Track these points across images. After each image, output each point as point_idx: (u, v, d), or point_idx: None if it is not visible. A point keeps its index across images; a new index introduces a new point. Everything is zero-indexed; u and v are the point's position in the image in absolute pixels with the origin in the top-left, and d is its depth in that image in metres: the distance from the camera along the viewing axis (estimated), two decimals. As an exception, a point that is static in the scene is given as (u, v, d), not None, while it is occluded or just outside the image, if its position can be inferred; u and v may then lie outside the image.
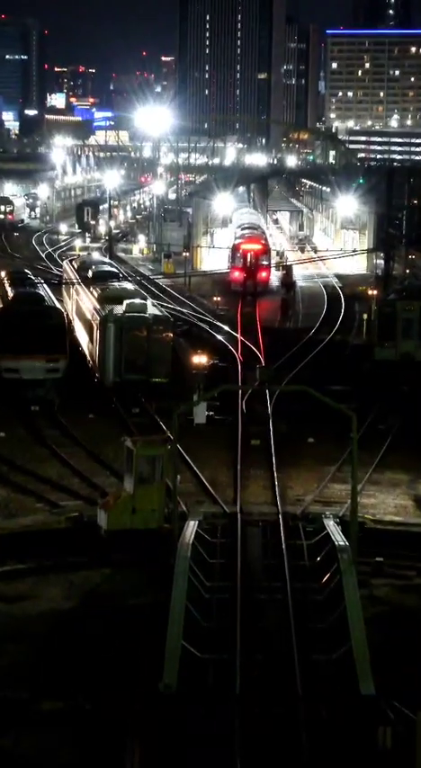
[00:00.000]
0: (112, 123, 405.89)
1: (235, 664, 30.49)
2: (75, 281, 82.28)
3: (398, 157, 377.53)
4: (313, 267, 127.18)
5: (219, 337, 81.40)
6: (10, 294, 71.19)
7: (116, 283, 76.74)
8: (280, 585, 36.01)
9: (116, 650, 33.01)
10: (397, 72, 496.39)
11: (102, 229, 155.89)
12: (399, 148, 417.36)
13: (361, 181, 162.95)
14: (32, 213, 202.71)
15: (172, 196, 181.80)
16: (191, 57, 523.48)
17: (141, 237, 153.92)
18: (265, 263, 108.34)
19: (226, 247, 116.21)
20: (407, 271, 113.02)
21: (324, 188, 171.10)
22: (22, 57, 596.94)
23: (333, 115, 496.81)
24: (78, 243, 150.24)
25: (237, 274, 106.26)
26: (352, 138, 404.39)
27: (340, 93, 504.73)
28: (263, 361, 71.84)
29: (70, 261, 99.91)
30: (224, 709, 28.60)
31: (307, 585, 36.28)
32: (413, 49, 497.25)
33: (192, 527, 38.92)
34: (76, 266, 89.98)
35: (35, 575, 39.63)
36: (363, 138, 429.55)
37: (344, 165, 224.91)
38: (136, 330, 64.78)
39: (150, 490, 41.80)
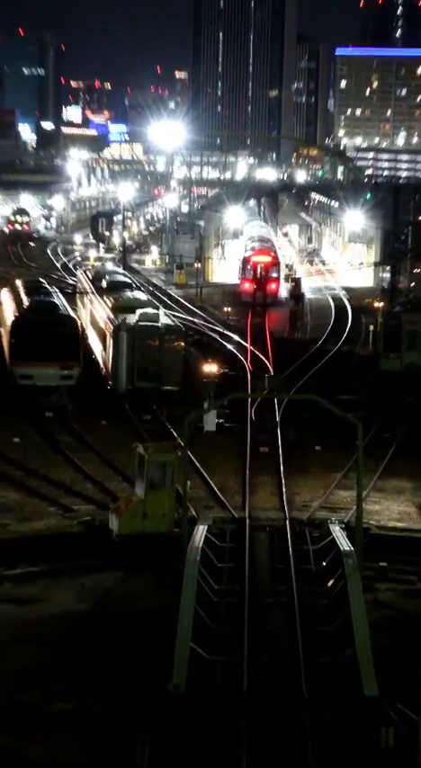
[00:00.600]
0: (127, 137, 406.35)
1: (242, 665, 30.49)
2: (89, 290, 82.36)
3: (405, 174, 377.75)
4: (321, 279, 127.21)
5: (230, 347, 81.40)
6: (25, 302, 71.28)
7: (129, 293, 76.78)
8: (286, 589, 36.00)
9: (126, 652, 32.99)
10: (403, 91, 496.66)
11: (115, 240, 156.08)
12: (406, 165, 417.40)
13: (368, 196, 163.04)
14: (48, 224, 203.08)
15: (184, 209, 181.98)
16: (204, 73, 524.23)
17: (154, 249, 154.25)
18: (275, 275, 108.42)
19: (236, 259, 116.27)
20: (413, 284, 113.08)
21: (332, 203, 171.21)
22: (40, 71, 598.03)
23: (341, 132, 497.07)
24: (92, 253, 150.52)
25: (247, 286, 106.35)
26: (360, 154, 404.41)
27: (348, 111, 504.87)
28: (271, 371, 71.88)
29: (84, 271, 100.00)
30: (231, 709, 28.60)
31: (313, 589, 36.29)
32: (419, 70, 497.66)
33: (201, 532, 38.90)
34: (90, 276, 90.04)
35: (47, 578, 39.62)
36: (371, 155, 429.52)
37: (352, 180, 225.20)
38: (148, 339, 64.83)
39: (161, 495, 41.80)
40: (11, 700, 30.17)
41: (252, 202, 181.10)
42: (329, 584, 36.27)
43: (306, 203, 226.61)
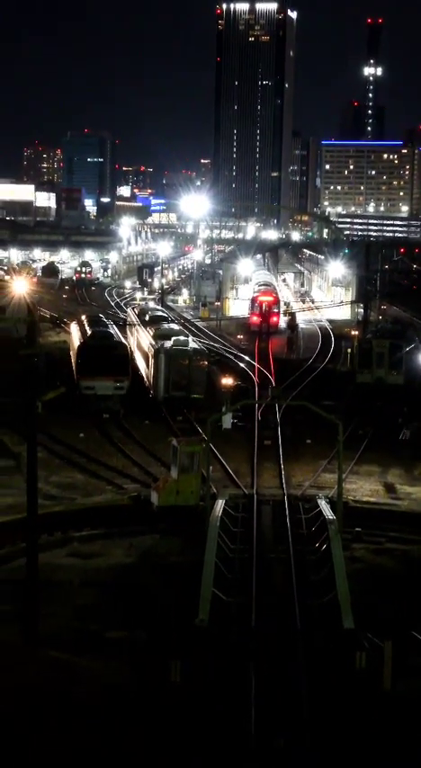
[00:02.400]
0: (164, 208, 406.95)
1: (251, 605, 30.46)
2: (136, 322, 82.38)
3: (374, 234, 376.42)
4: (311, 314, 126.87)
5: (242, 365, 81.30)
6: (88, 332, 71.37)
7: (166, 325, 76.73)
8: (285, 548, 35.96)
9: (163, 594, 32.97)
10: (373, 172, 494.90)
11: (156, 285, 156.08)
12: (375, 228, 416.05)
13: (346, 251, 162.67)
14: (105, 273, 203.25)
15: (207, 261, 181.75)
16: (222, 159, 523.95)
17: (185, 291, 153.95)
18: (276, 310, 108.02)
19: (247, 299, 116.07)
20: (380, 317, 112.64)
21: (319, 256, 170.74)
22: (100, 159, 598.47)
23: (326, 203, 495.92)
24: (138, 295, 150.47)
25: (255, 319, 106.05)
26: (340, 219, 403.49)
27: (331, 187, 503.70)
28: (273, 383, 71.69)
29: (132, 308, 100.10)
30: (243, 638, 28.55)
31: (304, 548, 36.23)
32: (385, 156, 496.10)
33: (220, 504, 38.90)
34: (136, 312, 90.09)
35: (104, 538, 39.68)
36: (348, 220, 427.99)
37: (334, 239, 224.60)
38: (180, 359, 64.80)
39: (190, 477, 41.80)
40: (79, 628, 30.23)
41: (258, 256, 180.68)
42: (317, 544, 36.21)
43: (299, 256, 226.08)
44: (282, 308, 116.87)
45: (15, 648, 28.62)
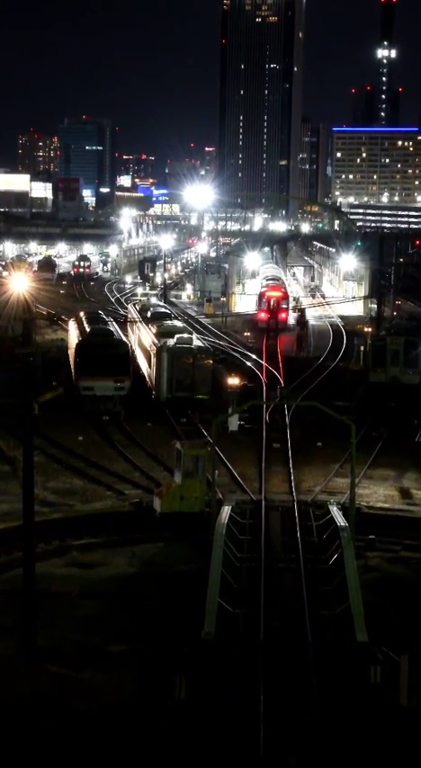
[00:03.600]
0: (167, 198, 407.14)
1: (259, 617, 30.46)
2: (137, 319, 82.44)
3: (388, 226, 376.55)
4: (321, 310, 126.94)
5: (249, 364, 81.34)
6: (87, 329, 71.43)
7: (169, 321, 76.75)
8: (294, 557, 35.94)
9: (167, 605, 33.01)
10: (387, 160, 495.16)
11: (158, 280, 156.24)
12: (389, 219, 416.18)
13: (359, 244, 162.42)
14: (105, 268, 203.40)
15: (212, 254, 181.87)
16: (228, 147, 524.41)
17: (189, 286, 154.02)
18: (285, 306, 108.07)
19: (254, 294, 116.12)
20: (394, 313, 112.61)
21: (330, 249, 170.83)
22: (99, 147, 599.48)
23: (337, 193, 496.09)
24: (140, 290, 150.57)
25: (262, 315, 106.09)
26: (352, 210, 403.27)
27: (343, 176, 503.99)
28: (282, 383, 71.72)
29: (133, 304, 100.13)
30: (251, 651, 28.56)
31: (315, 557, 36.19)
32: (399, 143, 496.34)
33: (226, 511, 38.88)
34: (138, 308, 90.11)
35: (105, 547, 39.70)
36: (361, 211, 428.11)
37: (345, 231, 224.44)
38: (184, 358, 64.82)
39: (194, 482, 41.83)
40: (79, 641, 30.27)
41: (266, 249, 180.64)
42: (328, 552, 36.20)
43: (309, 249, 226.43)
44: (292, 303, 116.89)
45: (12, 662, 28.68)
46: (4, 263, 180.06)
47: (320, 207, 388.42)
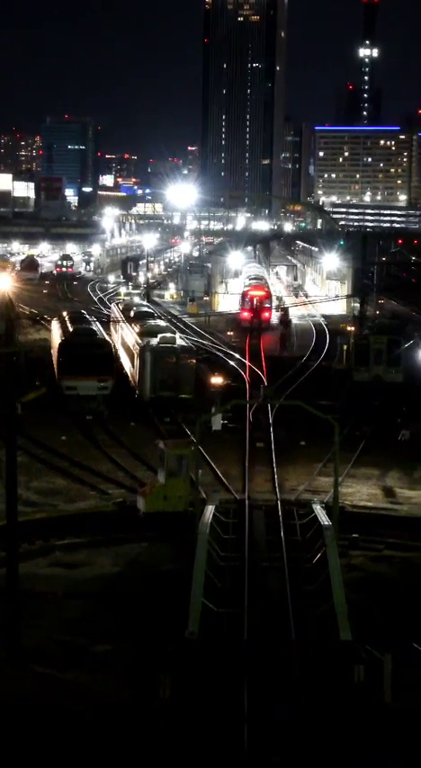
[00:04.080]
0: (150, 198, 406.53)
1: (243, 616, 30.49)
2: (120, 319, 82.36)
3: (371, 225, 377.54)
4: (304, 309, 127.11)
5: (232, 363, 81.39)
6: (70, 329, 71.35)
7: (152, 321, 76.71)
8: (278, 556, 35.99)
9: (151, 605, 33.01)
10: (369, 159, 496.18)
11: (141, 279, 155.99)
12: (371, 218, 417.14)
13: (341, 243, 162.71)
14: (87, 267, 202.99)
15: (195, 254, 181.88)
16: (210, 146, 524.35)
17: (172, 285, 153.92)
18: (268, 305, 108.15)
19: (237, 293, 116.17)
20: (377, 312, 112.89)
21: (313, 248, 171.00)
22: (81, 147, 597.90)
23: (320, 192, 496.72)
24: (123, 290, 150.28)
25: (245, 314, 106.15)
26: (334, 209, 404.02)
27: (326, 175, 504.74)
28: (266, 382, 71.79)
29: (116, 304, 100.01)
30: (235, 651, 28.59)
31: (299, 556, 36.25)
32: (381, 142, 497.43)
33: (210, 510, 38.88)
34: (120, 308, 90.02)
35: (89, 547, 39.66)
36: (344, 210, 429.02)
37: (328, 230, 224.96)
38: (167, 357, 64.81)
39: (178, 481, 41.84)
40: (63, 641, 30.23)
41: (249, 248, 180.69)
42: (312, 551, 36.26)
43: (292, 248, 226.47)
44: (275, 302, 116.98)
45: (-4, 663, 28.62)
46: None
47: (303, 206, 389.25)
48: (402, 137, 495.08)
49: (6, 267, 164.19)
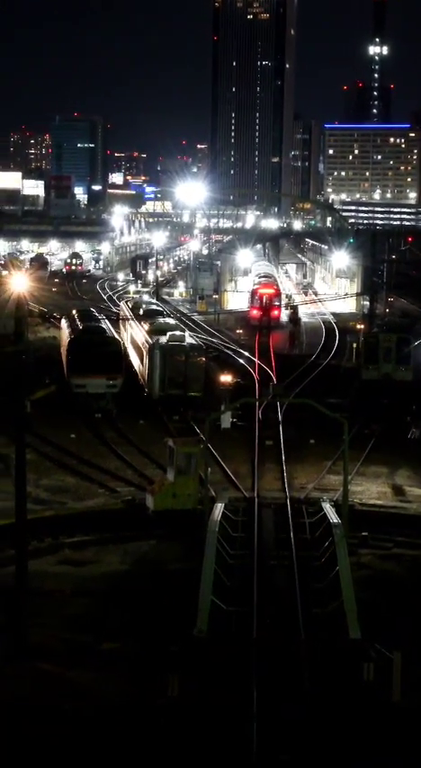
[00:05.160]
0: (159, 196, 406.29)
1: (252, 614, 30.45)
2: (129, 317, 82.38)
3: (380, 222, 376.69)
4: (314, 307, 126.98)
5: (241, 361, 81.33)
6: (79, 327, 71.38)
7: (161, 319, 76.73)
8: (287, 554, 35.96)
9: (160, 603, 32.99)
10: (379, 157, 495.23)
11: (150, 277, 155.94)
12: (381, 216, 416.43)
13: (351, 241, 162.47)
14: (97, 265, 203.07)
15: (205, 252, 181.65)
16: (220, 144, 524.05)
17: (181, 283, 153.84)
18: (277, 303, 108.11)
19: (246, 291, 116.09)
20: (387, 310, 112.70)
21: (323, 246, 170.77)
22: (91, 145, 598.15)
23: (330, 189, 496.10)
24: (132, 288, 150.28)
25: (255, 312, 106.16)
26: (344, 207, 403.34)
27: (335, 173, 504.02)
28: (275, 380, 71.72)
29: (125, 302, 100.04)
30: (244, 649, 28.55)
31: (308, 554, 36.22)
32: (391, 140, 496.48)
33: (219, 508, 38.89)
34: (130, 306, 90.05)
35: (97, 545, 39.68)
36: (353, 208, 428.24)
37: (338, 228, 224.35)
38: (176, 355, 64.80)
39: (187, 479, 41.81)
40: (71, 639, 30.23)
41: (258, 246, 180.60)
42: (321, 549, 36.21)
43: (301, 246, 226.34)
44: (284, 300, 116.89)
45: (3, 660, 28.62)
46: (2, 262, 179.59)
47: (312, 204, 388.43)
48: (412, 134, 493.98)
49: (19, 266, 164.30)
